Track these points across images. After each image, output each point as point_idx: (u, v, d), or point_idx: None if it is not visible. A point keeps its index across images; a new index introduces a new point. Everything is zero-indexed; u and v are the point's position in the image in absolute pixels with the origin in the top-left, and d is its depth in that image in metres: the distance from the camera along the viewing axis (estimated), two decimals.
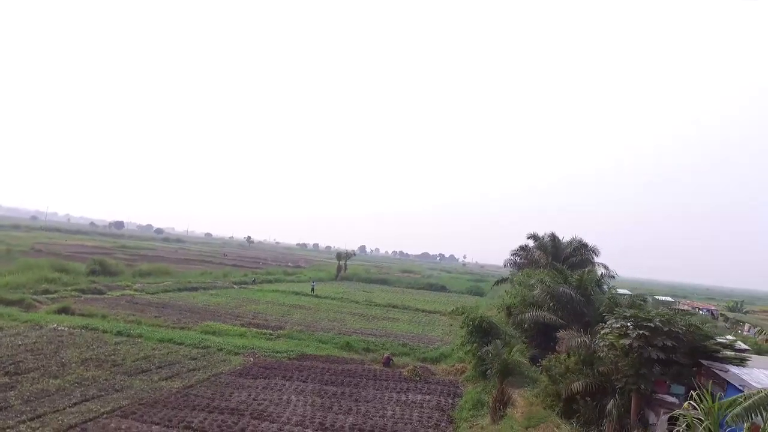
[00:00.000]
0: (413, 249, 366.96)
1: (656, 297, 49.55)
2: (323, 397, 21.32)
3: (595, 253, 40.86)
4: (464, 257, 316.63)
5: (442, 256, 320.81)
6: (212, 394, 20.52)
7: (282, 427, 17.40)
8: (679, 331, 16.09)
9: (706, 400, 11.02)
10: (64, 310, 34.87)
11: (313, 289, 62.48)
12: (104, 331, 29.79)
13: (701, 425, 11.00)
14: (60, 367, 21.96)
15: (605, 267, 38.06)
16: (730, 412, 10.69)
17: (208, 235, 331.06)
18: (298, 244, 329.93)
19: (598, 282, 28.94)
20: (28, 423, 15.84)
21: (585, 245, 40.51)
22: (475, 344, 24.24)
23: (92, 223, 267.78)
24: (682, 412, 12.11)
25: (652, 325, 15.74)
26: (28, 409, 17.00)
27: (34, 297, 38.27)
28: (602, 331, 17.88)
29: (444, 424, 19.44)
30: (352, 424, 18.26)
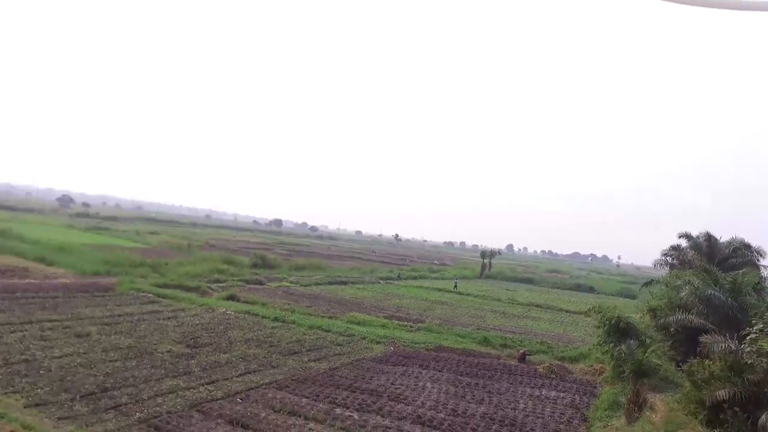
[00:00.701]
0: (563, 249, 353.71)
1: None
2: (457, 386, 22.35)
3: (761, 255, 37.40)
4: (618, 258, 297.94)
5: (593, 256, 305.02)
6: (354, 376, 22.49)
7: (416, 409, 18.74)
8: None
9: None
10: (231, 297, 39.48)
11: (456, 286, 63.67)
12: (263, 317, 33.43)
13: None
14: (228, 344, 25.35)
15: None
16: None
17: (359, 232, 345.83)
18: (445, 243, 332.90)
19: (757, 286, 26.80)
20: (206, 386, 18.80)
21: (747, 246, 37.21)
22: (611, 344, 23.82)
23: (255, 221, 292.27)
24: None
25: None
26: (205, 375, 20.11)
27: (208, 285, 43.64)
28: (750, 336, 16.97)
29: (577, 421, 19.49)
30: (483, 413, 19.08)
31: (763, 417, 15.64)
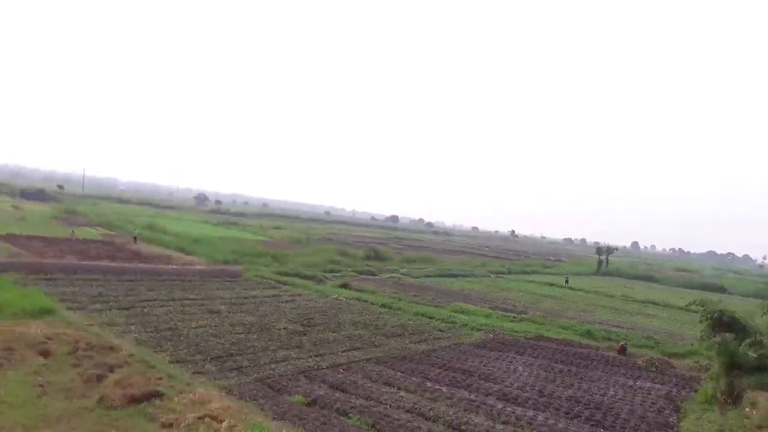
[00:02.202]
0: (697, 247, 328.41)
1: None
2: (549, 372, 23.15)
3: None
4: (764, 258, 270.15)
5: (732, 255, 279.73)
6: (450, 357, 24.03)
7: (503, 388, 19.96)
8: None
9: None
10: (344, 286, 42.44)
11: (567, 281, 62.78)
12: (372, 303, 35.86)
13: None
14: (337, 325, 27.89)
15: None
16: None
17: (475, 229, 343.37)
18: (564, 239, 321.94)
19: None
20: (313, 358, 21.32)
21: None
22: (712, 339, 23.35)
23: (372, 217, 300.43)
24: None
25: None
26: (314, 349, 22.66)
27: (323, 274, 47.05)
28: None
29: (668, 411, 19.56)
30: (569, 396, 19.86)
31: None
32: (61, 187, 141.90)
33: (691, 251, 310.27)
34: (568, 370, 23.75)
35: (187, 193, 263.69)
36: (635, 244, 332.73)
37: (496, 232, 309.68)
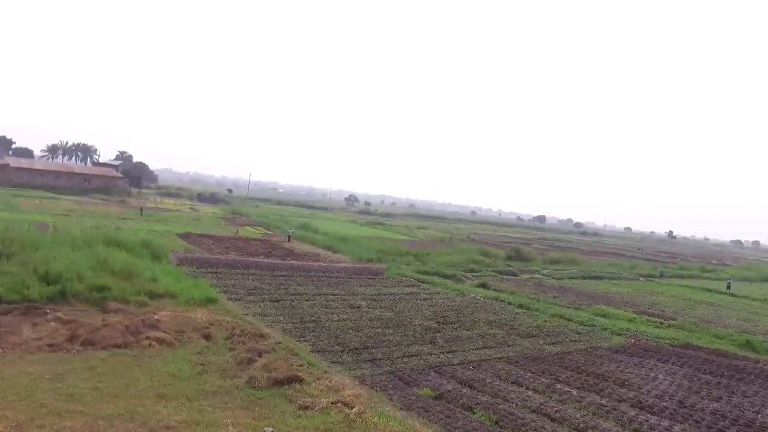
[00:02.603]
0: None
1: None
2: (693, 382, 21.54)
3: None
4: None
5: None
6: (585, 360, 23.31)
7: (639, 395, 19.05)
8: None
9: None
10: (482, 285, 42.50)
11: (728, 287, 56.93)
12: (509, 303, 35.60)
13: None
14: (472, 324, 28.23)
15: None
16: None
17: (628, 229, 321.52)
18: (731, 242, 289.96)
19: None
20: (445, 354, 21.94)
21: None
22: None
23: (518, 218, 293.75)
24: None
25: None
26: (446, 346, 23.28)
27: (463, 273, 47.40)
28: None
29: None
30: (714, 409, 18.38)
31: None
32: (230, 191, 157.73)
33: None
34: (717, 383, 21.93)
35: (339, 194, 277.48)
36: None
37: (651, 233, 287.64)
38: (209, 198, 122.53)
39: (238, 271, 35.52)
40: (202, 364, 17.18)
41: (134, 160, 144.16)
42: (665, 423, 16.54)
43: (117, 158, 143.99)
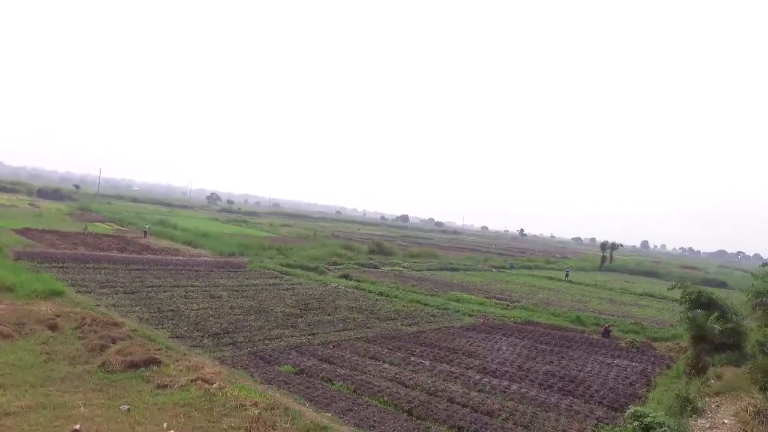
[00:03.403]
0: (708, 246, 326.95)
1: None
2: (531, 351, 24.20)
3: None
4: None
5: (742, 254, 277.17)
6: (438, 338, 25.13)
7: (484, 363, 21.05)
8: None
9: None
10: (345, 276, 43.66)
11: (567, 275, 63.55)
12: (369, 291, 37.02)
13: None
14: (333, 310, 29.08)
15: None
16: None
17: (485, 228, 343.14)
18: (573, 239, 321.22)
19: None
20: (306, 336, 22.56)
21: None
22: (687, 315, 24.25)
23: (383, 217, 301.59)
24: None
25: None
26: (307, 329, 23.87)
27: (326, 266, 48.27)
28: None
29: (640, 384, 20.53)
30: (546, 371, 20.90)
31: None
32: (77, 186, 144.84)
33: (702, 250, 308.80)
34: (551, 350, 24.80)
35: (200, 193, 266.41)
36: (645, 242, 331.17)
37: (505, 231, 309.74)
38: (52, 194, 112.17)
39: (88, 265, 33.40)
40: (48, 353, 16.19)
41: None
42: (505, 383, 18.52)
43: None
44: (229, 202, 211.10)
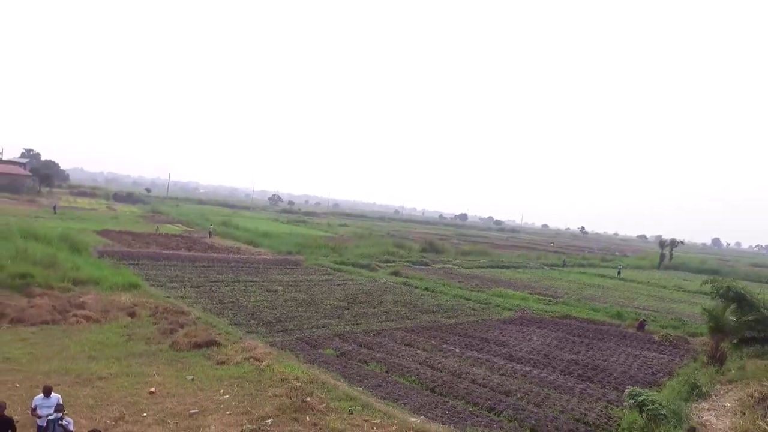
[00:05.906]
0: None
1: None
2: (561, 342, 25.58)
3: None
4: None
5: None
6: (474, 329, 26.86)
7: (511, 351, 22.69)
8: None
9: None
10: (394, 273, 45.81)
11: (619, 273, 63.38)
12: (416, 287, 39.02)
13: None
14: (378, 303, 31.28)
15: None
16: None
17: (545, 226, 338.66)
18: (638, 236, 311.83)
19: None
20: (350, 325, 24.88)
21: None
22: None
23: (441, 216, 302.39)
24: None
25: None
26: (352, 319, 26.18)
27: (377, 264, 50.57)
28: None
29: (661, 374, 21.50)
30: (570, 359, 22.33)
31: None
32: (148, 190, 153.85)
33: None
34: (581, 341, 26.08)
35: (262, 195, 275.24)
36: (716, 240, 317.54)
37: (566, 229, 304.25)
38: (126, 197, 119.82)
39: (159, 262, 36.97)
40: (128, 335, 19.18)
41: (42, 158, 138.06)
42: (527, 368, 20.19)
43: (22, 156, 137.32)
44: (290, 203, 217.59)
